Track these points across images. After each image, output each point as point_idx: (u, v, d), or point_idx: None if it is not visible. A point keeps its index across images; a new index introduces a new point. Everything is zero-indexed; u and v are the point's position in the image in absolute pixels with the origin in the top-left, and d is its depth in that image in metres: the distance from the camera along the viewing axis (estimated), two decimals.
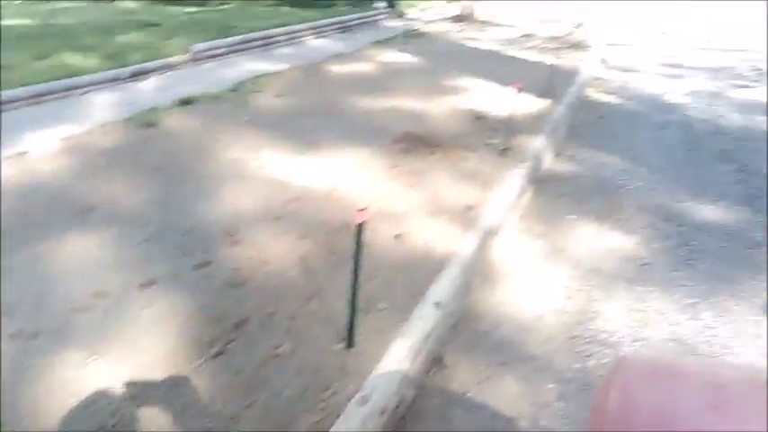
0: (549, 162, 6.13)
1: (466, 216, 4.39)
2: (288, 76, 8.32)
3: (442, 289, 3.39)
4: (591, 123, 7.46)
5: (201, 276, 3.42)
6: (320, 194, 4.56)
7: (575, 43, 11.35)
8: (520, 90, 5.31)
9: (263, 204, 4.33)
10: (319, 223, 4.07)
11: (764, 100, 8.40)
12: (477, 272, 3.97)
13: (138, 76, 8.07)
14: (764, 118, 7.54)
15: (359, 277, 2.71)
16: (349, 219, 4.15)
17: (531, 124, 6.56)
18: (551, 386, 3.10)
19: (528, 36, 12.35)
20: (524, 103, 7.31)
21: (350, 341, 2.84)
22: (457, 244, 3.95)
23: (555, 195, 5.45)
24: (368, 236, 3.97)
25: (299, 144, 5.61)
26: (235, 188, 4.59)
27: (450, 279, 3.49)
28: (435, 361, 3.17)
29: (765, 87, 9.09)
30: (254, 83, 7.88)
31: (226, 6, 16.50)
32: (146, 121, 6.13)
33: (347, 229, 4.02)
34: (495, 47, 11.24)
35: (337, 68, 9.04)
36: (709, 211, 5.07)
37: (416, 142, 5.74)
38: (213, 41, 9.85)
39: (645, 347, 3.32)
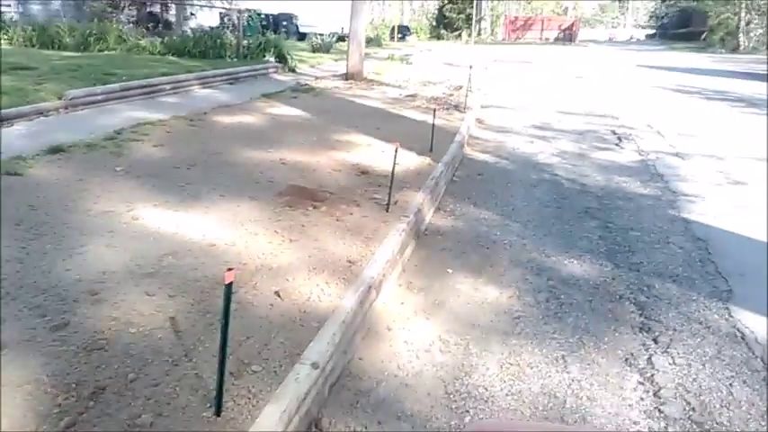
0: (429, 216, 6.31)
1: (348, 271, 4.39)
2: (170, 126, 8.09)
3: (320, 347, 3.32)
4: (469, 180, 7.82)
5: (57, 339, 3.14)
6: (197, 250, 4.38)
7: (455, 104, 11.98)
8: (397, 148, 5.47)
9: (132, 260, 4.10)
10: (194, 280, 3.90)
11: (623, 161, 9.23)
12: (359, 328, 3.95)
13: (3, 121, 7.51)
14: (623, 178, 8.26)
15: (227, 340, 2.60)
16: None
17: (414, 180, 6.77)
18: None
19: (412, 96, 12.89)
20: (407, 160, 7.54)
21: (218, 408, 2.69)
22: (338, 300, 3.92)
23: (435, 249, 5.60)
24: (246, 294, 3.86)
25: (177, 196, 5.41)
26: (103, 243, 4.31)
27: (330, 336, 3.44)
28: (311, 424, 3.08)
29: (624, 150, 10.01)
30: (132, 131, 7.58)
31: (108, 53, 15.91)
32: (9, 169, 5.67)
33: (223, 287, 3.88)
34: (381, 105, 11.61)
35: (223, 119, 8.92)
36: (576, 266, 5.41)
37: (301, 196, 5.72)
38: (90, 88, 9.42)
39: (517, 402, 3.42)
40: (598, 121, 12.57)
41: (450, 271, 5.18)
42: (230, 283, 2.53)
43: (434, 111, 8.13)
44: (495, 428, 1.42)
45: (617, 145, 10.43)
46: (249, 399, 2.88)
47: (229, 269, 2.52)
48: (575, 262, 5.51)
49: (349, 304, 3.81)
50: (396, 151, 5.46)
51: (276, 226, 4.98)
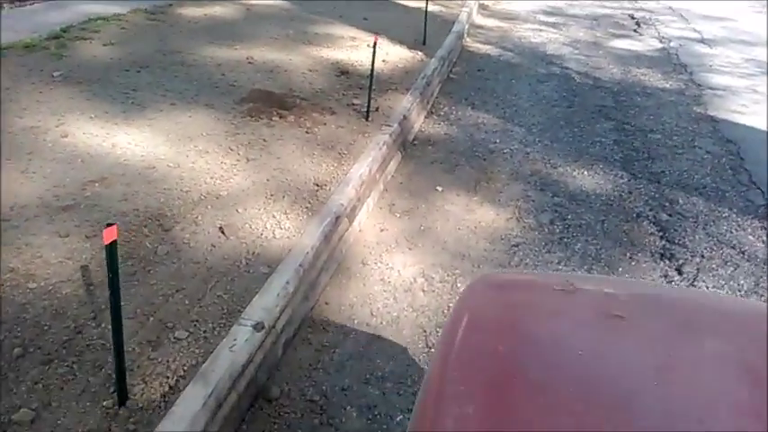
0: (419, 123, 5.50)
1: (314, 197, 3.67)
2: (127, 21, 7.08)
3: (267, 301, 2.67)
4: (468, 77, 6.90)
5: None
6: (132, 174, 3.65)
7: None
8: (376, 43, 4.58)
9: (51, 190, 3.38)
10: (120, 214, 3.20)
11: (642, 50, 8.20)
12: (325, 267, 3.30)
13: None
14: (642, 70, 7.30)
15: (120, 312, 1.93)
16: (166, 206, 3.31)
17: (402, 80, 5.88)
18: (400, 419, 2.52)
19: None
20: (396, 55, 6.60)
21: (121, 396, 2.08)
22: (297, 236, 3.24)
23: (424, 162, 4.85)
24: (183, 231, 3.16)
25: (120, 106, 4.60)
26: (20, 168, 3.58)
27: (281, 286, 2.78)
28: (256, 396, 2.49)
29: (643, 38, 8.92)
30: (82, 28, 6.60)
31: None
32: None
33: (161, 221, 3.20)
34: None
35: (190, 11, 7.85)
36: (586, 179, 4.66)
37: (267, 102, 4.90)
38: None
39: None
40: (614, 4, 11.30)
41: (439, 188, 4.46)
42: (113, 244, 1.82)
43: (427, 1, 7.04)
44: (504, 281, 1.55)
45: (635, 31, 9.32)
46: (167, 378, 2.26)
47: (109, 225, 1.80)
48: (585, 173, 4.77)
49: (310, 242, 3.12)
50: (374, 46, 4.56)
51: (232, 141, 4.21)
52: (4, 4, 7.45)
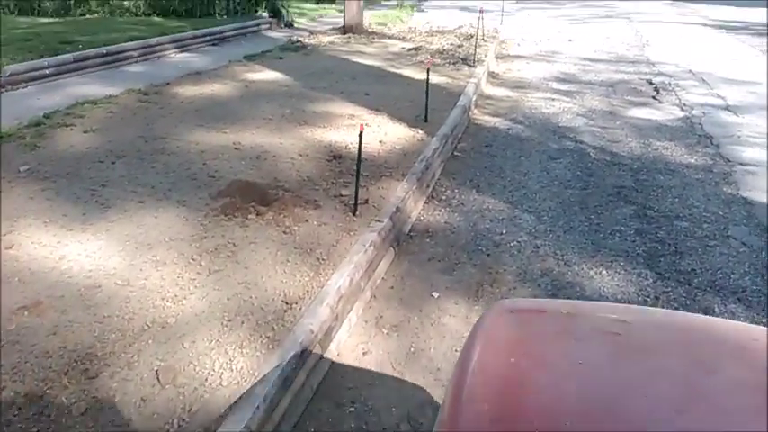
0: (417, 211, 4.99)
1: (280, 321, 3.13)
2: (117, 103, 6.82)
3: None
4: (474, 154, 6.42)
5: None
6: (72, 297, 3.17)
7: (464, 57, 10.41)
8: (362, 132, 4.12)
9: None
10: (44, 355, 2.69)
11: (662, 120, 7.67)
12: (285, 417, 2.71)
13: None
14: (664, 143, 6.76)
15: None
16: (100, 341, 2.78)
17: (399, 163, 5.41)
18: None
19: (415, 50, 11.31)
20: (394, 135, 6.16)
21: None
22: (250, 377, 2.68)
23: (420, 260, 4.31)
24: (112, 378, 2.56)
25: (81, 208, 4.19)
26: None
27: None
28: None
29: (663, 105, 8.41)
30: (67, 113, 6.34)
31: (89, 17, 14.59)
32: None
33: (89, 363, 2.67)
34: (377, 63, 10.12)
35: (186, 90, 7.60)
36: (605, 280, 4.06)
37: (245, 196, 4.44)
38: (35, 61, 8.16)
39: None
40: (631, 69, 10.89)
41: (435, 294, 3.90)
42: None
43: (428, 70, 6.66)
44: (518, 306, 1.83)
45: (654, 98, 8.83)
46: None
47: None
48: (603, 272, 4.17)
49: (263, 390, 2.56)
50: (360, 136, 4.11)
51: (197, 248, 3.72)
52: None
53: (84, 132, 5.74)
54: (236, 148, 5.47)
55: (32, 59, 8.30)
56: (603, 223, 4.87)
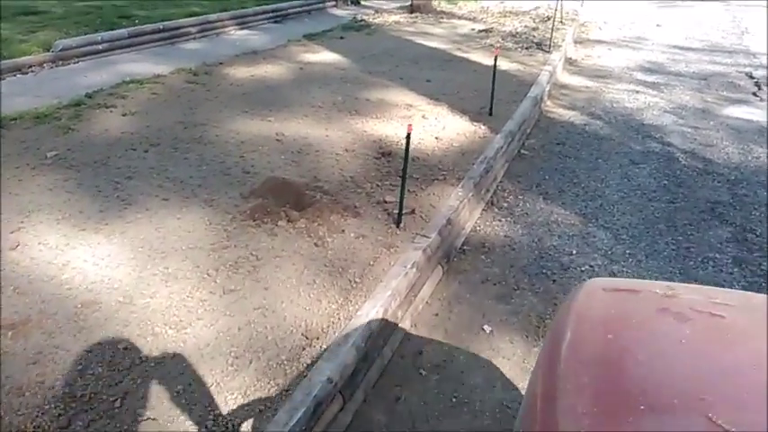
0: (474, 220, 4.38)
1: (296, 362, 2.63)
2: (164, 84, 6.48)
3: None
4: (544, 153, 5.72)
5: None
6: (66, 315, 2.78)
7: (538, 41, 9.56)
8: (409, 134, 3.52)
9: None
10: (16, 391, 2.29)
11: (764, 121, 6.69)
12: None
13: None
14: (767, 149, 5.83)
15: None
16: (80, 379, 2.35)
17: (456, 164, 4.80)
18: None
19: (486, 32, 10.53)
20: (454, 130, 5.53)
21: None
22: None
23: (472, 282, 3.72)
24: (88, 427, 2.15)
25: (100, 203, 3.82)
26: None
27: None
28: None
29: (765, 104, 7.37)
30: (110, 93, 6.03)
31: None
32: None
33: (63, 408, 2.25)
34: (444, 45, 9.43)
35: (238, 71, 7.20)
36: None
37: (279, 197, 3.96)
38: (89, 36, 7.94)
39: None
40: (727, 60, 9.75)
41: (487, 328, 3.31)
42: None
43: (495, 57, 5.94)
44: (612, 285, 1.71)
45: (755, 95, 7.78)
46: None
47: None
48: None
49: None
50: (408, 138, 3.52)
51: (215, 260, 3.26)
52: (45, 64, 7.07)
53: (123, 115, 5.40)
54: (277, 140, 5.00)
55: (87, 34, 8.08)
56: (694, 247, 4.12)
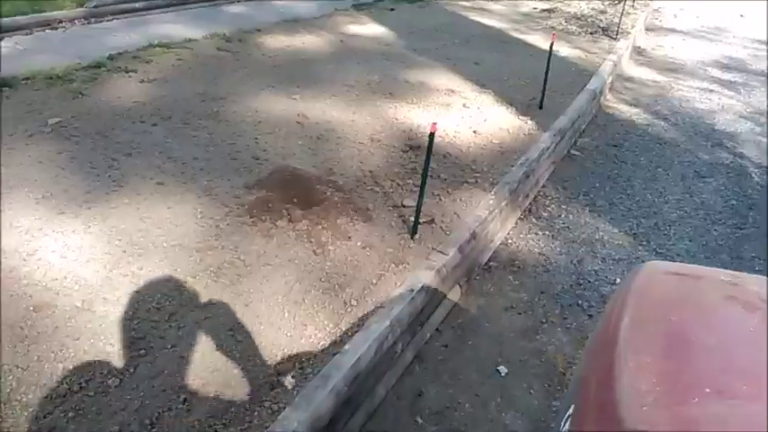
0: (503, 233, 3.86)
1: (260, 408, 2.20)
2: (192, 50, 6.10)
3: None
4: (597, 155, 5.11)
5: None
6: (13, 321, 2.42)
7: (605, 26, 8.74)
8: (433, 133, 3.01)
9: None
10: None
11: None
12: None
13: None
14: None
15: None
16: None
17: (493, 164, 4.25)
18: None
19: (549, 11, 9.74)
20: (496, 123, 4.96)
21: None
22: None
23: (493, 309, 3.23)
24: None
25: (90, 183, 3.47)
26: None
27: None
28: None
29: None
30: (134, 57, 5.69)
31: None
32: None
33: None
34: (501, 24, 8.73)
35: (274, 41, 6.76)
36: None
37: (286, 191, 3.54)
38: None
39: None
40: None
41: (503, 370, 2.85)
42: None
43: (551, 45, 5.28)
44: (673, 269, 1.64)
45: None
46: None
47: None
48: None
49: None
50: (431, 138, 3.01)
51: (197, 263, 2.87)
52: (77, 21, 6.78)
53: (141, 82, 5.04)
54: (298, 122, 4.55)
55: None
56: None
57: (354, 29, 7.77)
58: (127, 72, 5.25)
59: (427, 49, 6.95)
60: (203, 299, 2.66)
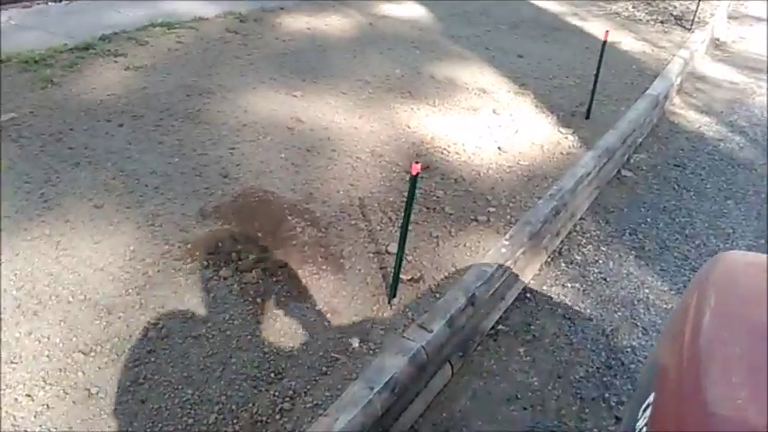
0: (521, 285, 3.08)
1: None
2: (199, 30, 5.47)
3: None
4: (653, 178, 4.25)
5: None
6: None
7: (680, 14, 7.60)
8: (417, 173, 2.25)
9: None
10: None
11: None
12: None
13: None
14: None
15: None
16: None
17: (513, 195, 3.45)
18: None
19: None
20: (529, 136, 4.12)
21: None
22: None
23: (492, 398, 2.55)
24: None
25: (17, 201, 2.89)
26: None
27: None
28: None
29: None
30: (130, 38, 5.11)
31: None
32: None
33: None
34: (557, 7, 7.72)
35: (293, 22, 6.05)
36: None
37: (247, 223, 2.87)
38: None
39: None
40: None
41: None
42: None
43: (604, 43, 4.33)
44: (752, 259, 1.57)
45: None
46: None
47: None
48: None
49: None
50: (413, 182, 2.26)
51: (95, 334, 2.24)
52: None
53: (126, 69, 4.45)
54: (289, 127, 3.86)
55: None
56: None
57: (389, 9, 6.96)
58: (115, 56, 4.68)
59: (465, 36, 6.10)
60: (87, 386, 2.02)
